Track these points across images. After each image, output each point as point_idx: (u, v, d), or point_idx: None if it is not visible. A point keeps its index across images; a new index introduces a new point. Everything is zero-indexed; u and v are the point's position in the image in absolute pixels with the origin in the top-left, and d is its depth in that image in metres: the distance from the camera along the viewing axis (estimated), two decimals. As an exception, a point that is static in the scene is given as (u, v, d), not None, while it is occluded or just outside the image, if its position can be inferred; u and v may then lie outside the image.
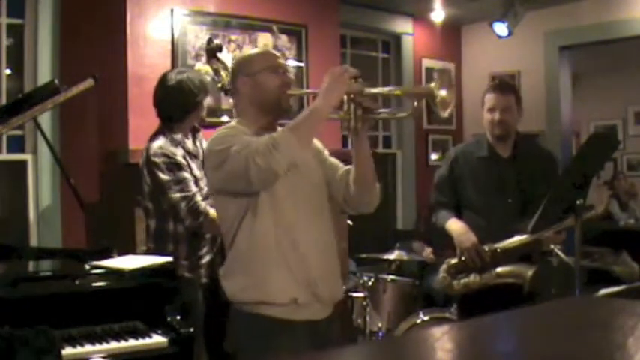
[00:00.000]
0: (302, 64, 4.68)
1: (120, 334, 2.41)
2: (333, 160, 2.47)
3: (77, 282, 2.45)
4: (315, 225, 2.32)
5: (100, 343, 2.33)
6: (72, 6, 4.02)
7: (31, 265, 2.84)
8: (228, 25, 4.33)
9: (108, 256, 2.71)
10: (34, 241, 3.91)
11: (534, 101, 5.44)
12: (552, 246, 3.02)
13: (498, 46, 5.82)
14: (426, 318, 3.80)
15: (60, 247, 3.71)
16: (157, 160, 2.86)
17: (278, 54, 2.48)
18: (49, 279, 2.53)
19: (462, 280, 3.12)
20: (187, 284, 2.76)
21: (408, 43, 6.12)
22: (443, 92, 2.14)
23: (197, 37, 4.18)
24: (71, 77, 3.27)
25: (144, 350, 2.39)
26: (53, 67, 3.94)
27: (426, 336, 1.34)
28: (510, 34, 5.26)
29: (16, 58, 3.99)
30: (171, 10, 4.10)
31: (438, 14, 5.87)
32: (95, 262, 2.60)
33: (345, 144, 3.76)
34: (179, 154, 2.89)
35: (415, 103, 2.37)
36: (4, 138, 3.87)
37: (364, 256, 4.45)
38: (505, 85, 3.28)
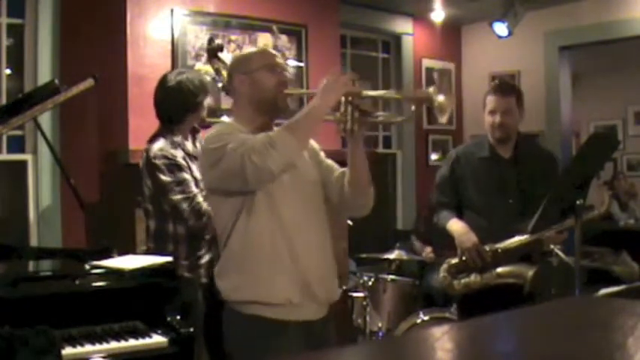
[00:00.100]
0: (302, 64, 4.68)
1: (120, 334, 2.41)
2: (329, 162, 2.46)
3: (77, 282, 2.45)
4: (311, 225, 2.31)
5: (100, 343, 2.32)
6: (72, 6, 4.02)
7: (31, 265, 2.84)
8: (228, 25, 4.33)
9: (108, 256, 2.71)
10: (34, 241, 3.91)
11: (534, 101, 5.44)
12: (552, 246, 3.02)
13: (498, 46, 5.82)
14: (426, 318, 3.80)
15: (60, 247, 3.71)
16: (157, 161, 2.86)
17: (276, 53, 2.48)
18: (49, 279, 2.53)
19: (463, 280, 3.12)
20: (187, 284, 2.76)
21: (408, 43, 6.12)
22: (441, 98, 2.15)
23: (197, 37, 4.18)
24: (71, 77, 3.27)
25: (144, 350, 2.39)
26: (53, 67, 3.94)
27: (426, 336, 1.34)
28: (510, 34, 5.26)
29: (16, 58, 3.99)
30: (171, 10, 4.10)
31: (438, 14, 5.87)
32: (95, 262, 2.60)
33: (344, 144, 3.75)
34: (179, 155, 2.89)
35: (413, 108, 2.37)
36: (4, 138, 3.87)
37: (364, 256, 4.45)
38: (506, 87, 3.28)
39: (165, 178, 2.84)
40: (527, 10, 5.32)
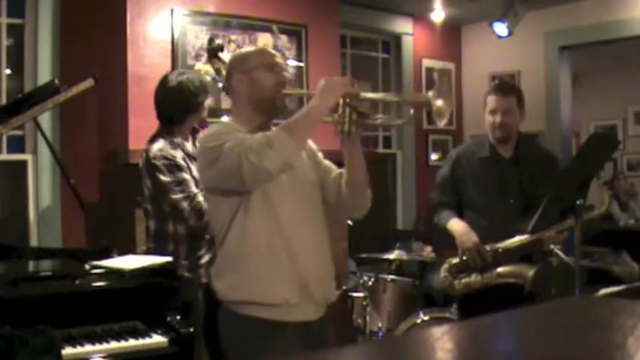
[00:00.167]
0: (302, 64, 4.69)
1: (120, 334, 2.40)
2: (327, 163, 2.46)
3: (77, 282, 2.45)
4: (309, 226, 2.30)
5: (100, 343, 2.32)
6: (72, 6, 4.02)
7: (31, 265, 2.84)
8: (228, 25, 4.33)
9: (108, 256, 2.71)
10: (34, 241, 3.91)
11: (534, 101, 5.43)
12: (552, 246, 3.02)
13: (498, 46, 5.82)
14: (426, 318, 3.80)
15: (60, 247, 3.71)
16: (156, 162, 2.86)
17: (275, 52, 2.47)
18: (49, 279, 2.53)
19: (464, 280, 3.12)
20: (187, 284, 2.76)
21: (408, 43, 6.12)
22: (439, 102, 2.15)
23: (197, 37, 4.18)
24: (71, 77, 3.27)
25: (144, 350, 2.39)
26: (53, 67, 3.94)
27: (426, 336, 1.34)
28: (510, 34, 5.26)
29: (16, 58, 4.00)
30: (171, 10, 4.10)
31: (438, 14, 5.87)
32: (95, 262, 2.60)
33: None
34: (179, 156, 2.89)
35: (412, 111, 2.37)
36: (4, 138, 3.87)
37: (364, 256, 4.45)
38: (506, 87, 3.28)
39: (164, 178, 2.84)
40: (527, 10, 5.32)
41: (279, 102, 2.32)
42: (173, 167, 2.85)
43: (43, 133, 3.10)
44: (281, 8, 4.59)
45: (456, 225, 3.14)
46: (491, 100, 3.15)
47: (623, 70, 7.43)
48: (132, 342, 2.38)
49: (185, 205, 2.80)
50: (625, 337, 1.14)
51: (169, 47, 4.09)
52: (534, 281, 2.95)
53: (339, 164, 2.40)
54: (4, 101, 3.88)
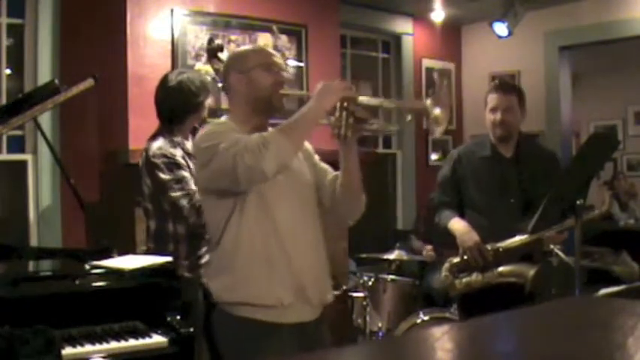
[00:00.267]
0: (302, 64, 4.69)
1: (120, 334, 2.40)
2: (323, 165, 2.45)
3: (77, 282, 2.45)
4: (304, 227, 2.29)
5: (100, 343, 2.32)
6: (72, 6, 4.03)
7: (31, 265, 2.84)
8: (228, 25, 4.33)
9: (108, 256, 2.71)
10: (34, 241, 3.91)
11: (534, 101, 5.41)
12: (552, 246, 3.02)
13: (498, 46, 5.82)
14: (426, 318, 3.80)
15: (60, 247, 3.71)
16: (156, 160, 2.86)
17: (273, 52, 2.46)
18: (49, 279, 2.52)
19: (464, 280, 3.12)
20: (187, 284, 2.76)
21: (408, 43, 6.12)
22: (437, 111, 2.14)
23: (197, 37, 4.18)
24: (71, 77, 3.27)
25: (144, 350, 2.38)
26: (53, 67, 3.94)
27: (426, 336, 1.34)
28: (510, 34, 5.26)
29: (16, 58, 4.00)
30: (171, 10, 4.10)
31: (438, 14, 5.87)
32: (95, 262, 2.60)
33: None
34: (178, 154, 2.90)
35: (409, 118, 2.37)
36: (4, 138, 3.88)
37: (364, 256, 4.45)
38: (507, 86, 3.29)
39: (164, 176, 2.84)
40: (527, 10, 5.32)
41: (276, 102, 2.31)
42: (172, 165, 2.85)
43: (43, 133, 3.09)
44: (281, 8, 4.59)
45: (457, 224, 3.15)
46: (492, 99, 3.15)
47: (623, 70, 7.43)
48: (132, 342, 2.38)
49: (184, 202, 2.80)
50: (625, 337, 1.14)
51: (169, 47, 4.09)
52: (535, 281, 2.95)
53: (335, 164, 2.40)
54: (4, 101, 3.88)
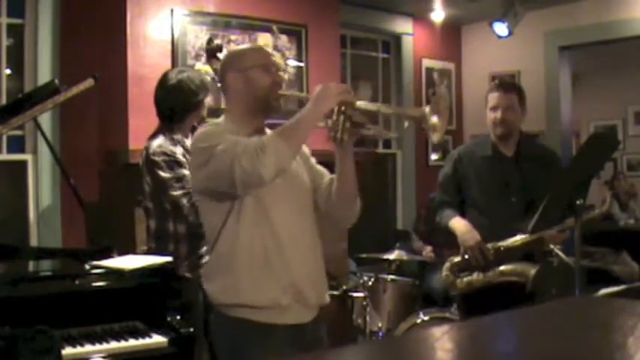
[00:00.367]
0: (302, 64, 4.69)
1: (120, 334, 2.40)
2: (319, 168, 2.44)
3: (77, 282, 2.45)
4: (301, 229, 2.28)
5: (100, 343, 2.32)
6: (72, 6, 4.03)
7: (31, 265, 2.84)
8: (228, 25, 4.33)
9: (108, 256, 2.71)
10: (34, 241, 3.91)
11: (534, 101, 5.41)
12: (552, 246, 3.03)
13: (498, 46, 5.82)
14: (426, 318, 3.80)
15: (60, 247, 3.71)
16: (156, 158, 2.86)
17: (272, 52, 2.45)
18: (49, 279, 2.52)
19: (465, 279, 3.13)
20: (187, 284, 2.76)
21: (408, 43, 6.12)
22: (434, 119, 2.14)
23: (197, 37, 4.18)
24: (71, 77, 3.27)
25: (144, 350, 2.39)
26: (53, 67, 3.94)
27: (426, 336, 1.34)
28: (510, 34, 5.26)
29: (16, 58, 4.00)
30: (171, 10, 4.10)
31: (438, 14, 5.87)
32: (95, 262, 2.60)
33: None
34: (178, 152, 2.90)
35: (406, 124, 2.36)
36: (4, 138, 3.87)
37: (364, 256, 4.45)
38: (508, 85, 3.29)
39: (164, 174, 2.84)
40: (527, 10, 5.32)
41: (273, 102, 2.29)
42: (173, 163, 2.85)
43: (43, 133, 3.10)
44: (281, 8, 4.59)
45: (458, 223, 3.15)
46: (493, 98, 3.16)
47: (623, 70, 7.43)
48: (132, 342, 2.38)
49: (184, 201, 2.80)
50: (625, 337, 1.14)
51: (169, 47, 4.09)
52: (536, 280, 2.95)
53: (332, 165, 2.39)
54: (4, 101, 3.88)
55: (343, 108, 2.15)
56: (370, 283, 3.96)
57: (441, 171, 3.40)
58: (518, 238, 3.03)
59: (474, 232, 3.08)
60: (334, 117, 2.17)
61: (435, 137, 2.16)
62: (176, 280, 2.64)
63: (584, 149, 2.85)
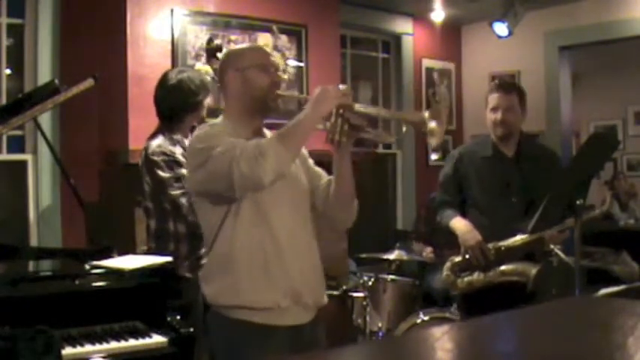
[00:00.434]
0: (302, 64, 4.69)
1: (120, 334, 2.40)
2: (317, 169, 2.44)
3: (77, 282, 2.45)
4: (300, 232, 2.27)
5: (100, 343, 2.32)
6: (72, 6, 4.02)
7: (31, 265, 2.84)
8: (228, 25, 4.33)
9: (108, 256, 2.71)
10: (34, 241, 3.91)
11: (534, 101, 5.40)
12: (552, 246, 3.03)
13: (498, 46, 5.82)
14: (426, 318, 3.80)
15: (60, 247, 3.71)
16: (156, 158, 2.86)
17: (270, 52, 2.44)
18: (49, 279, 2.53)
19: (466, 279, 3.13)
20: (187, 284, 2.76)
21: (408, 43, 6.11)
22: (433, 124, 2.14)
23: (197, 37, 4.18)
24: (71, 77, 3.27)
25: (144, 350, 2.39)
26: (53, 67, 3.94)
27: (426, 336, 1.34)
28: (510, 34, 5.26)
29: (16, 58, 3.99)
30: (171, 10, 4.10)
31: (438, 14, 5.87)
32: (95, 262, 2.60)
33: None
34: (178, 152, 2.90)
35: (404, 129, 2.37)
36: (4, 138, 3.87)
37: (364, 256, 4.45)
38: (508, 85, 3.29)
39: (163, 174, 2.84)
40: (527, 10, 5.32)
41: (271, 102, 2.28)
42: (172, 163, 2.85)
43: (43, 133, 3.10)
44: (281, 8, 4.59)
45: (459, 223, 3.15)
46: (493, 98, 3.16)
47: (623, 70, 7.43)
48: (132, 342, 2.38)
49: (184, 201, 2.80)
50: (625, 337, 1.14)
51: (169, 47, 4.09)
52: (537, 280, 2.95)
53: (329, 165, 2.38)
54: (4, 101, 3.88)
55: (341, 111, 2.15)
56: (370, 283, 3.96)
57: (441, 171, 3.40)
58: (519, 238, 3.03)
59: (474, 232, 3.08)
60: (332, 119, 2.16)
61: (433, 142, 2.17)
62: (176, 280, 2.64)
63: (584, 149, 2.86)
